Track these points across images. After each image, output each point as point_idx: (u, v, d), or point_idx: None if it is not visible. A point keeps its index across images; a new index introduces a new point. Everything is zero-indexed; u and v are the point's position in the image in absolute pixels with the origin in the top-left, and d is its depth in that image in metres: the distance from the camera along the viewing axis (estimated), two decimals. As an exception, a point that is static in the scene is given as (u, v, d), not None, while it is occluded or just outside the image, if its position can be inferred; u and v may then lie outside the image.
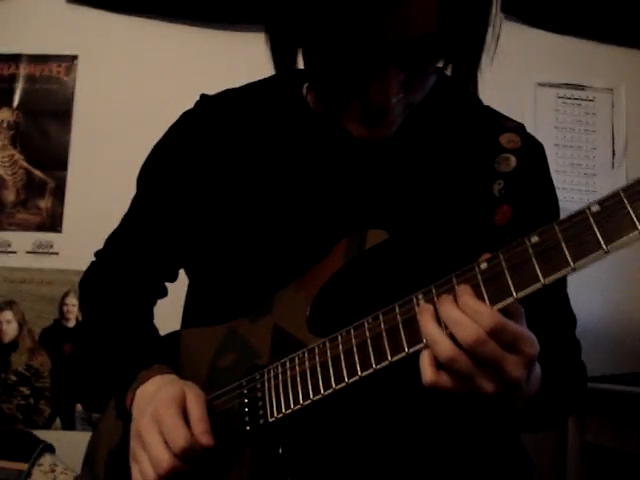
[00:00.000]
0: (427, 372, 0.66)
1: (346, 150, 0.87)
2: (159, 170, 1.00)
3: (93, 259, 1.08)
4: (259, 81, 0.96)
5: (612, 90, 2.02)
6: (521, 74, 1.96)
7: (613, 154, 2.00)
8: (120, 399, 0.88)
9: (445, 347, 0.64)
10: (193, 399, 0.78)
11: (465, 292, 0.66)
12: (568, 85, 2.02)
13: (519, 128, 0.92)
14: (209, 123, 0.95)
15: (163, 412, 0.77)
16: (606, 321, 1.94)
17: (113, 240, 1.05)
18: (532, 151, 0.92)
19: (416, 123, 0.88)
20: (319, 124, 0.89)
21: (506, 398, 0.69)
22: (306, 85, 0.93)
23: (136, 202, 1.03)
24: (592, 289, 1.90)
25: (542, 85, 2.01)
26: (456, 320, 0.64)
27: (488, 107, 0.94)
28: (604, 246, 0.60)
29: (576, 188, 1.98)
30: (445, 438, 0.84)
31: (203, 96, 0.99)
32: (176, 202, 0.96)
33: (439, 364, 0.66)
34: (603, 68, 2.01)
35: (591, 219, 0.61)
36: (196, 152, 0.94)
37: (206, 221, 0.92)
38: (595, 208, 0.61)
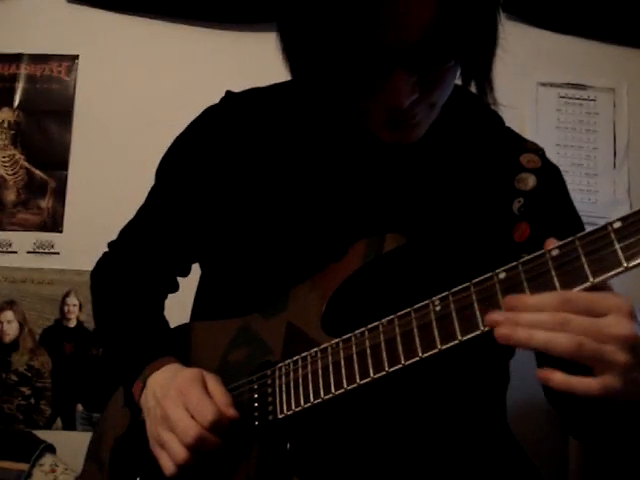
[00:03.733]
0: (591, 385, 0.63)
1: (370, 153, 0.87)
2: (180, 163, 1.00)
3: (102, 252, 1.08)
4: (285, 82, 0.95)
5: (614, 90, 2.01)
6: (522, 74, 1.96)
7: (615, 154, 2.00)
8: (128, 388, 0.88)
9: (562, 340, 0.62)
10: (212, 378, 0.81)
11: (517, 298, 0.65)
12: (569, 85, 2.01)
13: (539, 150, 0.93)
14: (233, 120, 0.95)
15: (187, 390, 0.79)
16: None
17: (128, 231, 1.06)
18: (551, 172, 0.93)
19: (440, 135, 0.88)
20: (341, 124, 0.89)
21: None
22: None
23: (154, 194, 1.03)
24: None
25: (543, 85, 2.01)
26: (533, 322, 0.63)
27: (509, 128, 0.95)
28: (624, 263, 0.60)
29: (577, 188, 1.97)
30: (449, 441, 0.84)
31: (228, 93, 0.99)
32: (196, 196, 0.96)
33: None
34: (605, 68, 2.01)
35: (612, 235, 0.61)
36: (218, 148, 0.94)
37: (224, 215, 0.92)
38: (617, 225, 0.61)
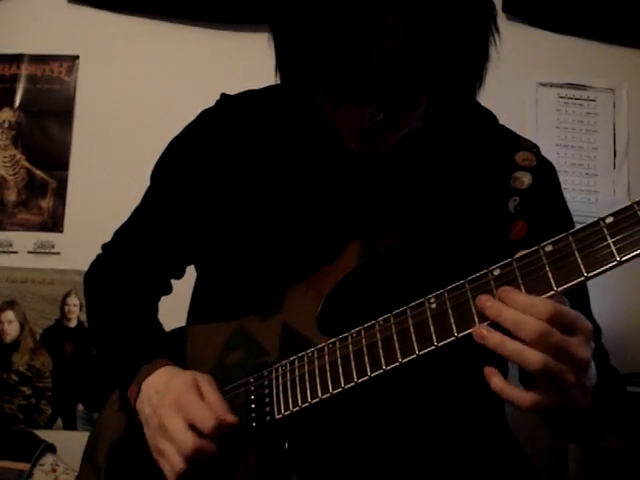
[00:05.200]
0: (523, 398, 0.66)
1: (360, 156, 0.87)
2: (175, 167, 1.00)
3: (99, 252, 1.08)
4: (279, 84, 0.96)
5: (613, 90, 2.02)
6: (522, 74, 1.96)
7: (615, 154, 2.00)
8: (123, 392, 0.88)
9: (531, 357, 0.64)
10: (207, 384, 0.81)
11: (509, 291, 0.66)
12: (569, 85, 2.02)
13: (533, 147, 0.93)
14: (228, 123, 0.96)
15: (184, 398, 0.78)
16: (608, 322, 1.93)
17: (122, 233, 1.06)
18: (546, 170, 0.93)
19: (435, 135, 0.89)
20: (332, 129, 0.89)
21: (579, 389, 0.68)
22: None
23: (149, 196, 1.03)
24: (595, 289, 1.90)
25: (543, 85, 2.01)
26: (515, 320, 0.65)
27: (503, 126, 0.95)
28: (617, 257, 0.61)
29: (577, 188, 1.98)
30: (449, 439, 0.84)
31: (224, 96, 0.99)
32: (190, 199, 0.96)
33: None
34: (604, 68, 2.01)
35: (605, 230, 0.62)
36: (213, 151, 0.95)
37: (218, 219, 0.92)
38: (609, 220, 0.62)
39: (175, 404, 0.79)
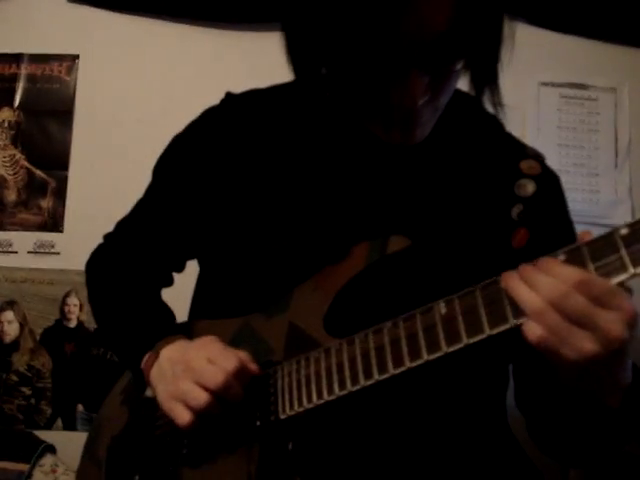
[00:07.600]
0: (532, 330, 0.64)
1: (371, 155, 0.87)
2: (178, 163, 1.00)
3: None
4: (285, 83, 0.95)
5: (615, 89, 2.01)
6: (524, 73, 1.95)
7: (616, 154, 2.00)
8: (137, 363, 0.89)
9: (532, 300, 0.63)
10: (223, 344, 0.83)
11: (550, 261, 0.65)
12: (571, 84, 2.01)
13: (539, 156, 0.93)
14: (233, 121, 0.95)
15: (207, 345, 0.82)
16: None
17: (124, 225, 1.07)
18: (551, 180, 0.93)
19: (441, 140, 0.88)
20: (344, 127, 0.89)
21: (605, 370, 0.66)
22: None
23: (151, 191, 1.04)
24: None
25: (545, 84, 2.01)
26: (537, 280, 0.63)
27: (510, 133, 0.96)
28: (631, 269, 0.61)
29: (579, 188, 1.97)
30: (451, 442, 0.84)
31: (228, 94, 0.99)
32: (193, 196, 0.96)
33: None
34: (606, 67, 2.00)
35: (619, 241, 0.61)
36: (218, 149, 0.94)
37: (225, 216, 0.92)
38: (624, 231, 0.62)
39: (202, 348, 0.82)
